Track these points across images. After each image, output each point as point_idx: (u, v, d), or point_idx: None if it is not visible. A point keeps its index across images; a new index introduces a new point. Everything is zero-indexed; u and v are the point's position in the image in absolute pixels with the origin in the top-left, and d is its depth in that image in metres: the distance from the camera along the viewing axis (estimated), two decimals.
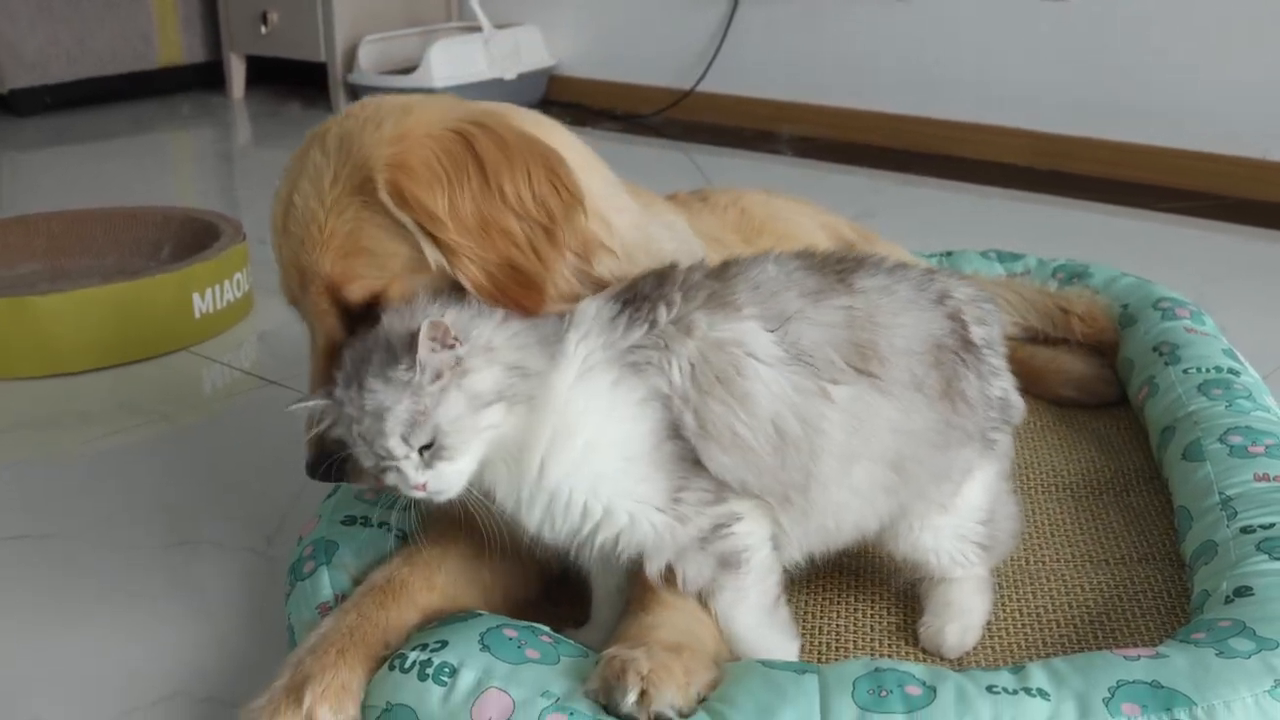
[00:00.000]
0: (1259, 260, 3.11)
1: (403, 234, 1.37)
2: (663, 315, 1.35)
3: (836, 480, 1.38)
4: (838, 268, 1.43)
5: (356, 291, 1.38)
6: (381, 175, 1.35)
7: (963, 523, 1.50)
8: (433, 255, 1.37)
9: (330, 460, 1.40)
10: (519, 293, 1.38)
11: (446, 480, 1.29)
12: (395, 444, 1.26)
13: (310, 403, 1.36)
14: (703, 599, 1.38)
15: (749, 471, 1.34)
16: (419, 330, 1.24)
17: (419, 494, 1.30)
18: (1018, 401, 1.52)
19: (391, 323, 1.31)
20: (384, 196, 1.36)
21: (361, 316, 1.39)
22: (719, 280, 1.39)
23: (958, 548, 1.51)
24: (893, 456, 1.40)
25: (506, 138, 1.40)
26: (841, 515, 1.42)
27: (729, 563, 1.37)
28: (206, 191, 4.24)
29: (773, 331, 1.35)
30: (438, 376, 1.26)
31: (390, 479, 1.30)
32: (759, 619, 1.40)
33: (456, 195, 1.36)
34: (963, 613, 1.52)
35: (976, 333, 1.46)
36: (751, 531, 1.37)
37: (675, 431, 1.33)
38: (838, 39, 4.33)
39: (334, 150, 1.40)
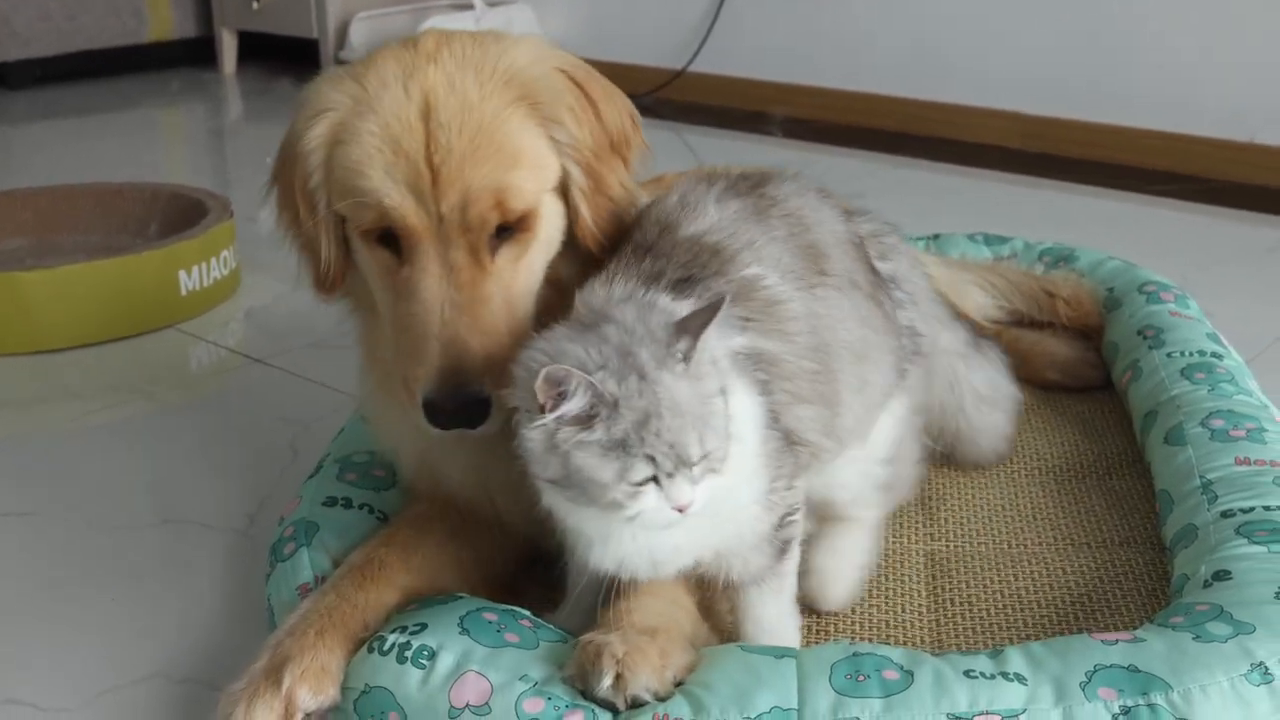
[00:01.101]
0: (1244, 243, 3.11)
1: (550, 152, 1.39)
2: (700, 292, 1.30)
3: (847, 388, 1.37)
4: (749, 185, 1.42)
5: (518, 206, 1.36)
6: (541, 94, 1.38)
7: (869, 459, 1.50)
8: (578, 177, 1.41)
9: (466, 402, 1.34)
10: (608, 227, 1.43)
11: (705, 498, 1.18)
12: (696, 447, 1.15)
13: (575, 375, 1.15)
14: (734, 589, 1.37)
15: (822, 412, 1.32)
16: (696, 326, 1.17)
17: (672, 516, 1.17)
18: (926, 331, 1.52)
19: (624, 313, 1.22)
20: (551, 111, 1.38)
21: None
22: (681, 237, 1.36)
23: (862, 485, 1.50)
24: (859, 348, 1.40)
25: (599, 78, 1.46)
26: (845, 429, 1.41)
27: (784, 550, 1.35)
28: (197, 168, 4.23)
29: (761, 263, 1.34)
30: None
31: (642, 501, 1.16)
32: (788, 606, 1.40)
33: (586, 125, 1.41)
34: (850, 562, 1.51)
35: (882, 267, 1.46)
36: (800, 518, 1.37)
37: (774, 418, 1.29)
38: (830, 20, 4.31)
39: (470, 68, 1.37)
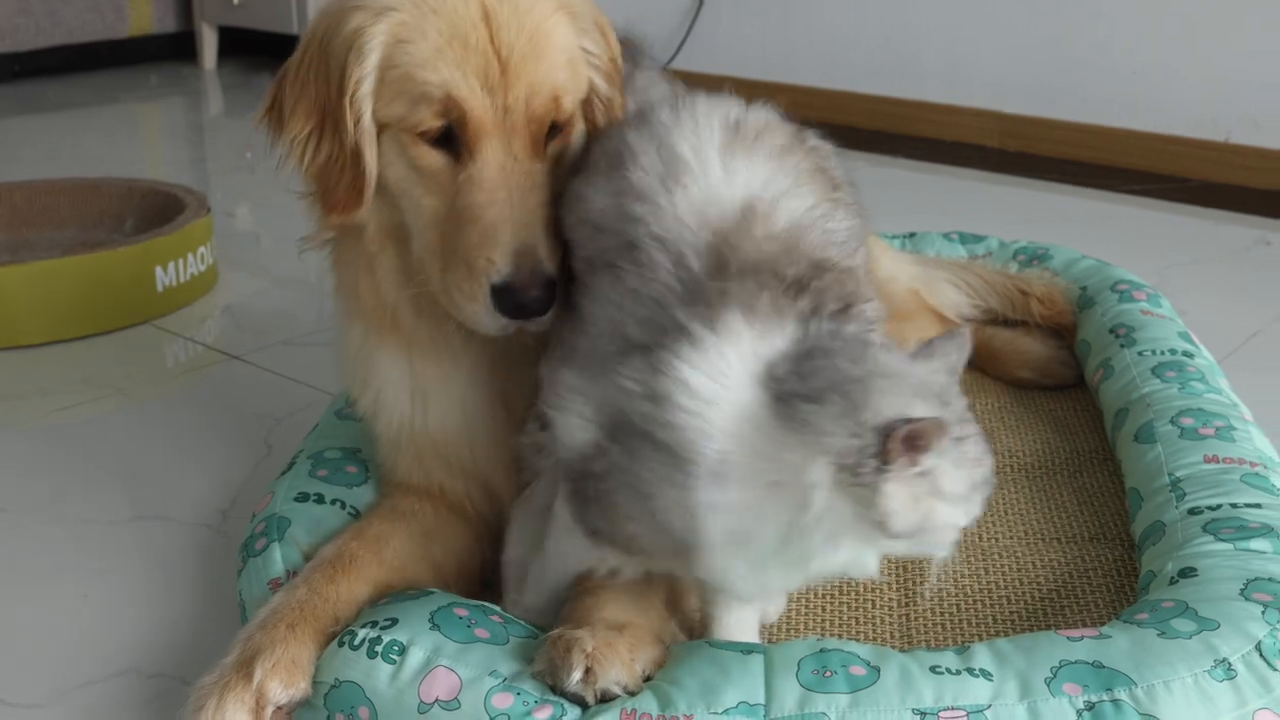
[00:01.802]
0: (1219, 242, 3.12)
1: (583, 62, 1.46)
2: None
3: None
4: (737, 132, 1.37)
5: (569, 105, 1.43)
6: (575, 5, 1.45)
7: None
8: (603, 90, 1.48)
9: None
10: None
11: None
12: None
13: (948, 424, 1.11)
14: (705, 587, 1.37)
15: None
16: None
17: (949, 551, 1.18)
18: None
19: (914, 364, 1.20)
20: (585, 24, 1.46)
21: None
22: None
23: None
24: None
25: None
26: None
27: None
28: (177, 163, 4.22)
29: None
30: None
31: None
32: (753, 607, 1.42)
33: (606, 43, 1.49)
34: None
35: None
36: None
37: None
38: (809, 20, 4.33)
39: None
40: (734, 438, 1.15)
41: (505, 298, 1.35)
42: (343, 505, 1.60)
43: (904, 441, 1.09)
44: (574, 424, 1.26)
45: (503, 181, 1.38)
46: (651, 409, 1.18)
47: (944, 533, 1.14)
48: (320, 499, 1.60)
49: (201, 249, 2.75)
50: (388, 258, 1.49)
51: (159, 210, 2.90)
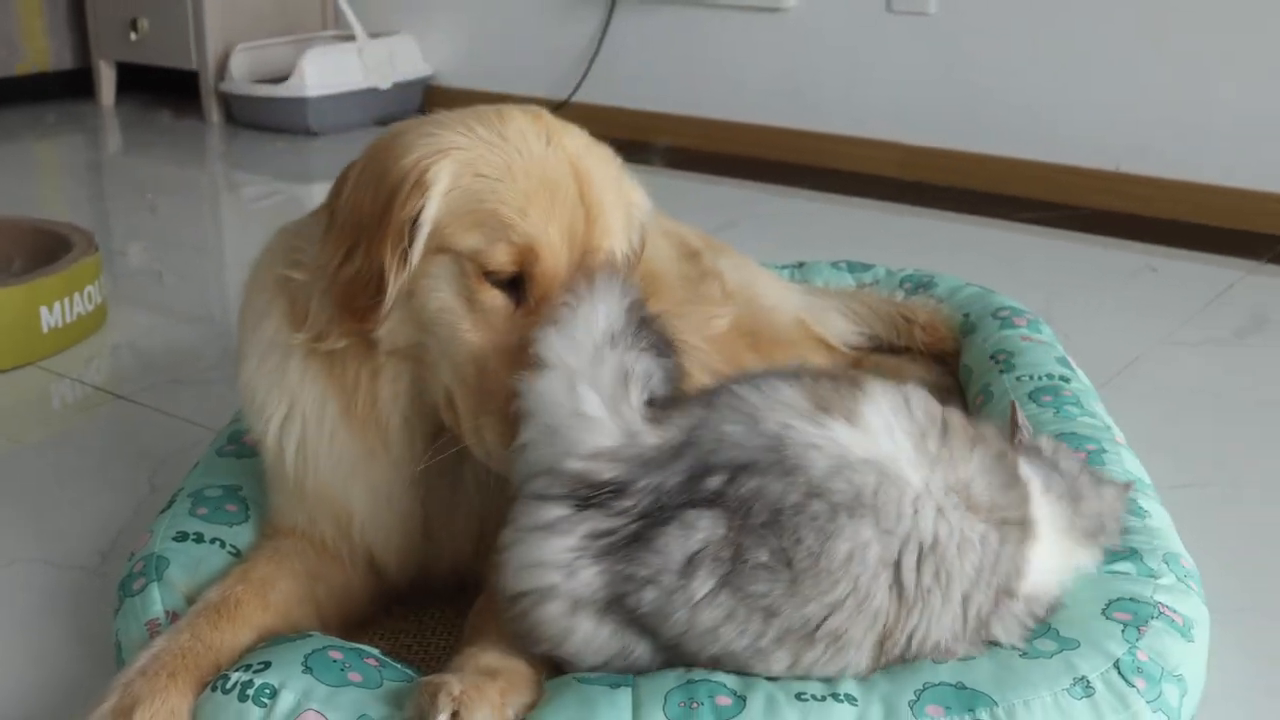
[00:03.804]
0: (1107, 269, 3.19)
1: (634, 216, 1.54)
2: None
3: None
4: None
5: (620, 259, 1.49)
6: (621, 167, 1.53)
7: None
8: (638, 243, 1.56)
9: None
10: None
11: None
12: None
13: None
14: None
15: None
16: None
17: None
18: None
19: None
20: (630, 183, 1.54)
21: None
22: None
23: None
24: None
25: None
26: None
27: None
28: (74, 201, 4.17)
29: None
30: None
31: None
32: None
33: None
34: None
35: None
36: None
37: None
38: (710, 51, 4.36)
39: (582, 136, 1.49)
40: None
41: None
42: (223, 544, 1.59)
43: None
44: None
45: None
46: None
47: None
48: (200, 538, 1.59)
49: (89, 288, 2.71)
50: (393, 371, 1.49)
51: (46, 250, 2.85)
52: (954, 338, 2.26)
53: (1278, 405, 2.36)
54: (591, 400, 1.28)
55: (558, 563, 1.25)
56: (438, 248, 1.40)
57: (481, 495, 1.56)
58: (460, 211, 1.39)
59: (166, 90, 5.32)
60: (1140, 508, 1.60)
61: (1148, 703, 1.27)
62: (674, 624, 1.24)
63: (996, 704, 1.23)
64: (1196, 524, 1.73)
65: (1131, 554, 1.48)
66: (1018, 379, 1.99)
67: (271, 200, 4.14)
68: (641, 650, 1.28)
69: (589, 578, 1.24)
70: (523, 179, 1.39)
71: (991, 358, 2.10)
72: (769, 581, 1.22)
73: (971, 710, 1.23)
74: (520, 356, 1.35)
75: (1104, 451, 1.74)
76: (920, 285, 2.44)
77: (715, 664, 1.27)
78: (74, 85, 5.35)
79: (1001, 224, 3.57)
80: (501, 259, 1.38)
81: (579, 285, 1.36)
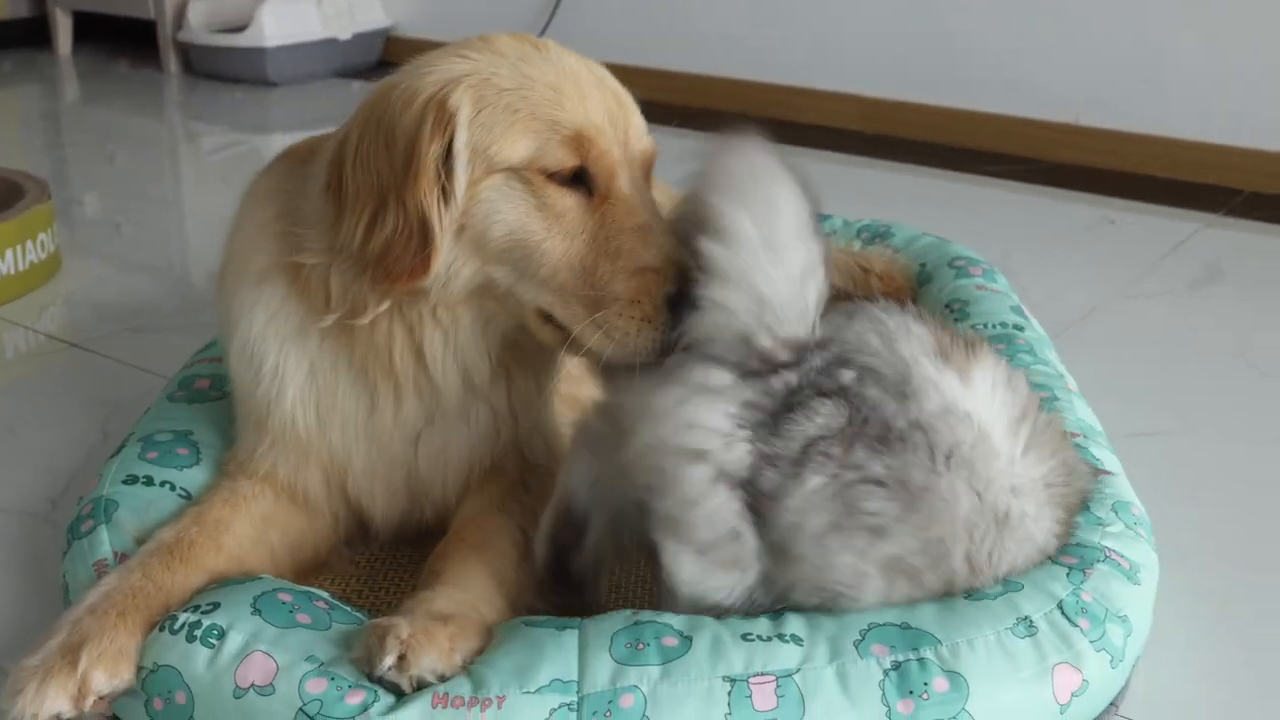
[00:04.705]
0: (1065, 221, 3.20)
1: None
2: None
3: None
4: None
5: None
6: None
7: None
8: None
9: None
10: None
11: None
12: None
13: None
14: None
15: None
16: None
17: None
18: None
19: None
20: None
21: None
22: None
23: None
24: None
25: None
26: None
27: None
28: (30, 151, 4.11)
29: None
30: None
31: None
32: None
33: None
34: None
35: None
36: None
37: None
38: (671, 3, 4.34)
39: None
40: None
41: (680, 303, 1.33)
42: (173, 487, 1.59)
43: None
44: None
45: (643, 205, 1.42)
46: None
47: None
48: (149, 481, 1.58)
49: (42, 236, 2.69)
50: (469, 318, 1.48)
51: None
52: (910, 287, 2.27)
53: (1231, 355, 2.38)
54: (791, 281, 1.28)
55: (720, 429, 1.25)
56: (485, 171, 1.39)
57: (474, 445, 1.57)
58: (498, 127, 1.38)
59: (124, 39, 5.26)
60: (1092, 455, 1.61)
61: (1091, 642, 1.28)
62: (787, 514, 1.24)
63: (940, 643, 1.24)
64: (1148, 471, 1.75)
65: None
66: (972, 327, 2.00)
67: (230, 151, 4.09)
68: (749, 542, 1.26)
69: (740, 453, 1.25)
70: (544, 80, 1.40)
71: (947, 306, 2.10)
72: (882, 500, 1.24)
73: (916, 649, 1.24)
74: (628, 241, 1.38)
75: (1056, 399, 1.75)
76: (877, 235, 2.45)
77: (809, 587, 1.28)
78: (30, 34, 5.27)
79: (962, 177, 3.57)
80: (560, 155, 1.39)
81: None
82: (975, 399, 1.31)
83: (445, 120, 1.37)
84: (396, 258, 1.39)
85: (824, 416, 1.25)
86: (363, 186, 1.41)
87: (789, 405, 1.25)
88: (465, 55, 1.43)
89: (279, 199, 1.56)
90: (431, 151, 1.37)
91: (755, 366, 1.27)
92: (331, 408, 1.53)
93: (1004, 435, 1.31)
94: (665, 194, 2.11)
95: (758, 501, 1.24)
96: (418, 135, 1.37)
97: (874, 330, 1.32)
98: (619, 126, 1.44)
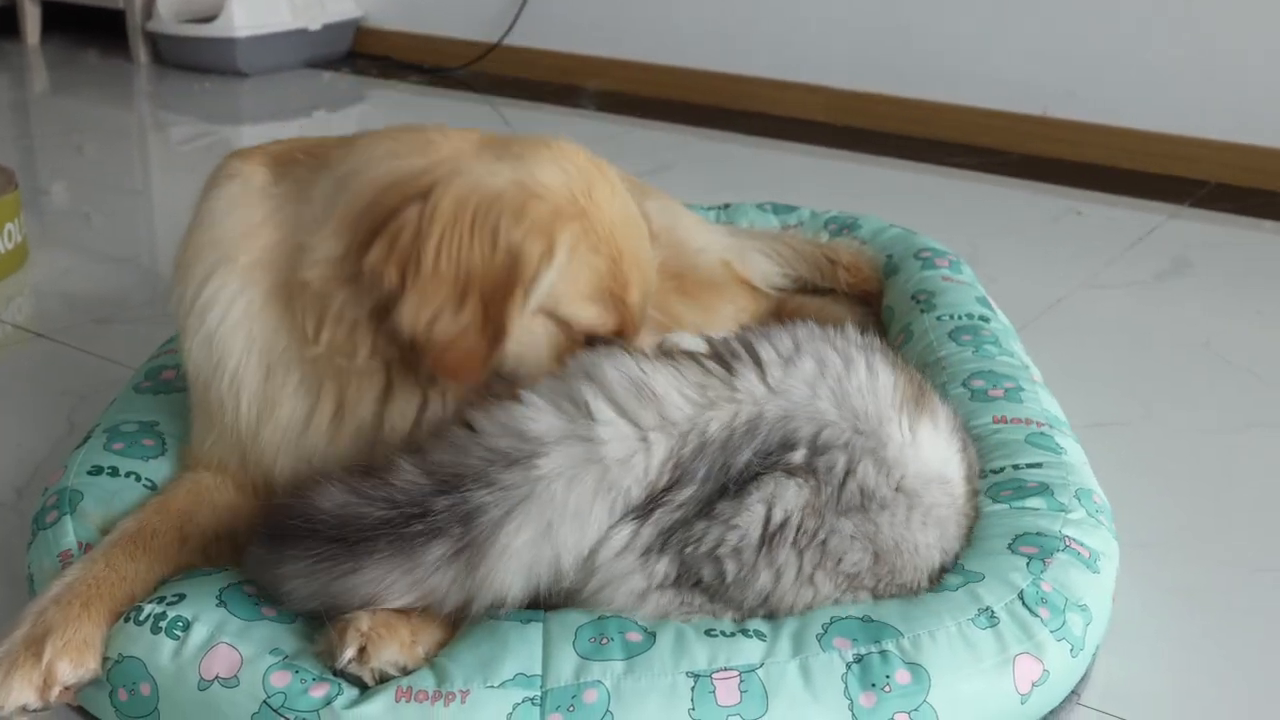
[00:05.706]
0: (1033, 213, 3.21)
1: None
2: None
3: None
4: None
5: None
6: None
7: None
8: None
9: None
10: None
11: None
12: None
13: None
14: None
15: None
16: None
17: None
18: None
19: None
20: None
21: None
22: None
23: None
24: None
25: None
26: None
27: None
28: None
29: None
30: None
31: None
32: None
33: None
34: None
35: None
36: None
37: None
38: None
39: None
40: None
41: None
42: (138, 478, 1.58)
43: None
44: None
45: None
46: None
47: None
48: (115, 472, 1.58)
49: (9, 226, 2.67)
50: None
51: None
52: (877, 278, 2.28)
53: (1195, 346, 2.40)
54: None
55: (632, 569, 1.29)
56: (547, 311, 1.44)
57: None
58: (577, 285, 1.44)
59: (93, 29, 5.22)
60: (1056, 444, 1.62)
61: (1051, 632, 1.29)
62: (757, 591, 1.29)
63: (902, 635, 1.25)
64: (1111, 460, 1.77)
65: (1043, 489, 1.50)
66: (938, 318, 2.01)
67: (200, 142, 4.08)
68: (699, 601, 1.31)
69: (663, 568, 1.28)
70: (622, 253, 1.47)
71: (913, 298, 2.11)
72: (859, 553, 1.31)
73: (878, 641, 1.25)
74: None
75: (1021, 390, 1.76)
76: (844, 227, 2.45)
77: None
78: None
79: (929, 168, 3.59)
80: (611, 328, 1.48)
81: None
82: (944, 448, 1.42)
83: (549, 254, 1.40)
84: (456, 351, 1.40)
85: (788, 499, 1.29)
86: (445, 274, 1.39)
87: (731, 495, 1.29)
88: (561, 165, 1.48)
89: (270, 203, 1.53)
90: (529, 278, 1.40)
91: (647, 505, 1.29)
92: (272, 410, 1.52)
93: (960, 474, 1.44)
94: (631, 184, 2.12)
95: (708, 586, 1.30)
96: (522, 253, 1.39)
97: (828, 386, 1.34)
98: (649, 278, 1.53)
